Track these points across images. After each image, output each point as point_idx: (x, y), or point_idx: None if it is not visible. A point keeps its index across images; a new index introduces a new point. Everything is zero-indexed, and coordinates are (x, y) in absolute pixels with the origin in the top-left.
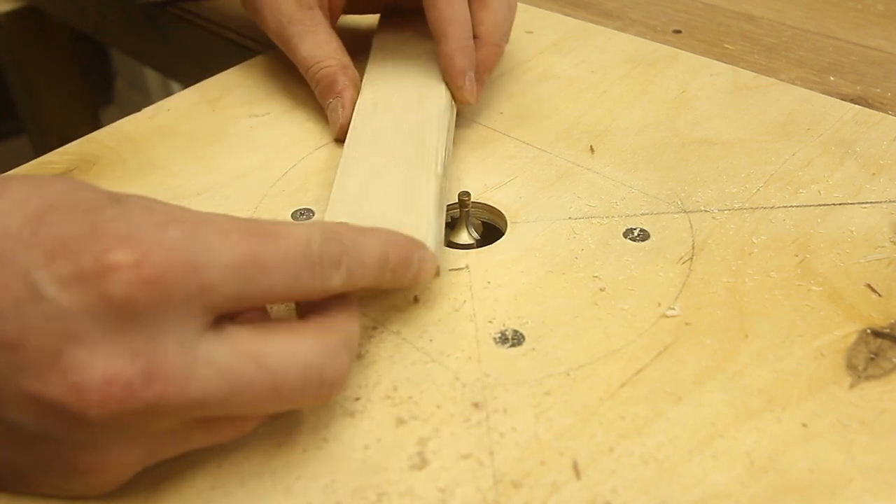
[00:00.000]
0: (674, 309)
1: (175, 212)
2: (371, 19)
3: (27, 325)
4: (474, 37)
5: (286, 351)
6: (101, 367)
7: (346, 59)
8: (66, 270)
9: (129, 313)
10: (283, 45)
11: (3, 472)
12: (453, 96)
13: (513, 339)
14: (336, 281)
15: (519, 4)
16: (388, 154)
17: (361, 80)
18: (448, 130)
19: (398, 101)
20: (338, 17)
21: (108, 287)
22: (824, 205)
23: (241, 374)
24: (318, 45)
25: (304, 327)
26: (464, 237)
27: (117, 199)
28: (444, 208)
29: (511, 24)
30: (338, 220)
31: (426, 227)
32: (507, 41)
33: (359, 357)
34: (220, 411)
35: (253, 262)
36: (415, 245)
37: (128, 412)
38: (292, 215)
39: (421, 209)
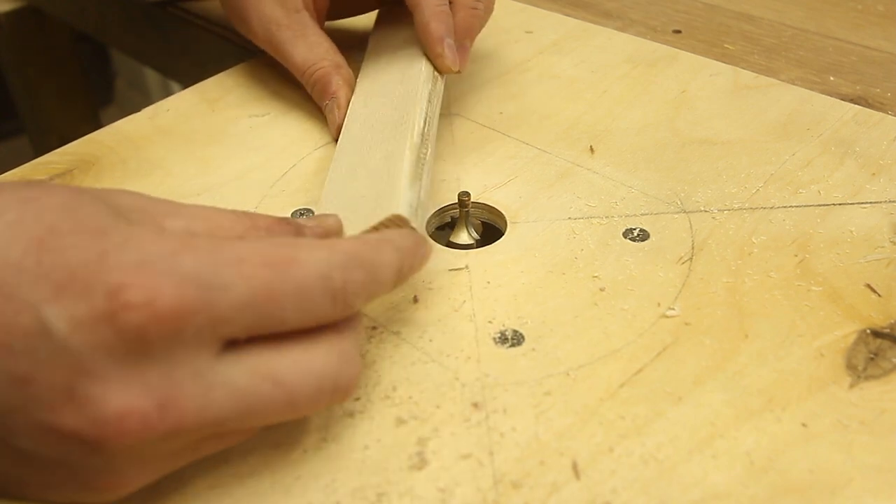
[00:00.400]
0: (674, 309)
1: (185, 238)
2: (367, 19)
3: (38, 360)
4: (449, 2)
5: (301, 366)
6: (116, 402)
7: (339, 59)
8: (77, 309)
9: (142, 348)
10: (273, 51)
11: (7, 484)
12: (435, 66)
13: (512, 339)
14: (358, 305)
15: (518, 4)
16: (374, 137)
17: (357, 77)
18: (429, 100)
19: (386, 86)
20: (324, 17)
21: (120, 325)
22: (824, 205)
23: (257, 394)
24: (310, 48)
25: (317, 338)
26: (464, 237)
27: (118, 211)
28: (426, 175)
29: None
30: (330, 207)
31: (400, 196)
32: (485, 3)
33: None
34: (235, 427)
35: (268, 295)
36: (420, 245)
37: (146, 441)
38: (292, 215)
39: (395, 178)
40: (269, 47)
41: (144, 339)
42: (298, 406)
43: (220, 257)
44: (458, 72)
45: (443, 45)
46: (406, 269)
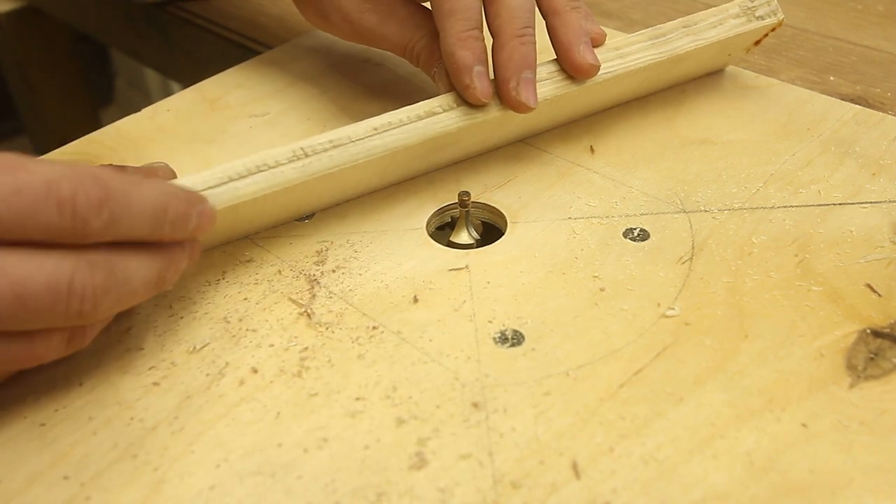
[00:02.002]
0: (674, 309)
1: None
2: None
3: None
4: (493, 35)
5: (31, 261)
6: None
7: (433, 25)
8: None
9: None
10: (365, 40)
11: None
12: (466, 100)
13: (512, 339)
14: (95, 224)
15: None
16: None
17: None
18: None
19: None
20: None
21: None
22: (824, 205)
23: None
24: (402, 25)
25: (56, 246)
26: (464, 237)
27: None
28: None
29: (530, 9)
30: None
31: (200, 176)
32: (532, 29)
33: (359, 357)
34: None
35: None
36: (194, 198)
37: None
38: None
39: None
40: (358, 38)
41: None
42: (28, 303)
43: None
44: (530, 108)
45: (471, 76)
46: (173, 214)
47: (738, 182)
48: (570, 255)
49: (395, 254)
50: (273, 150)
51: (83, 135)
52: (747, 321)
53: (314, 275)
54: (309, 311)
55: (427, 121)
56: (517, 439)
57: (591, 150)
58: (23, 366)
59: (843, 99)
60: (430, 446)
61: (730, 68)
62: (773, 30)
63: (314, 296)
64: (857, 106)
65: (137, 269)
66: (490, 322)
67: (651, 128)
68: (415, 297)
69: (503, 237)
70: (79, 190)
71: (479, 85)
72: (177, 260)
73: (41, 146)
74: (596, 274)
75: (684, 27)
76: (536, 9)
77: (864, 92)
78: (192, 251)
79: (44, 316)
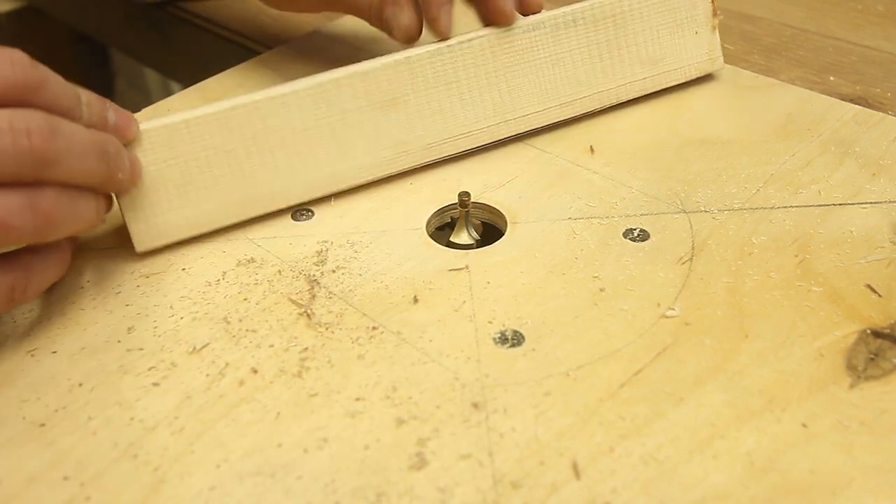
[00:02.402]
0: (674, 309)
1: None
2: None
3: None
4: None
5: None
6: None
7: None
8: None
9: None
10: (326, 4)
11: None
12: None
13: (512, 339)
14: (51, 151)
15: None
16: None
17: None
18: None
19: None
20: None
21: None
22: (824, 205)
23: None
24: None
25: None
26: (464, 237)
27: None
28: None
29: None
30: None
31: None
32: None
33: (359, 357)
34: None
35: None
36: (122, 141)
37: None
38: (292, 215)
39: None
40: (319, 5)
41: None
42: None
43: None
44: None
45: (438, 10)
46: (112, 151)
47: (738, 182)
48: (570, 255)
49: (394, 254)
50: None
51: None
52: (747, 321)
53: (314, 275)
54: (309, 311)
55: (360, 65)
56: (517, 439)
57: (591, 150)
58: None
59: (843, 99)
60: (430, 446)
61: (730, 68)
62: None
63: (314, 296)
64: (857, 106)
65: (85, 172)
66: (490, 322)
67: (651, 128)
68: (415, 297)
69: (503, 237)
70: (32, 126)
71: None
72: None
73: None
74: (596, 274)
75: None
76: None
77: (864, 92)
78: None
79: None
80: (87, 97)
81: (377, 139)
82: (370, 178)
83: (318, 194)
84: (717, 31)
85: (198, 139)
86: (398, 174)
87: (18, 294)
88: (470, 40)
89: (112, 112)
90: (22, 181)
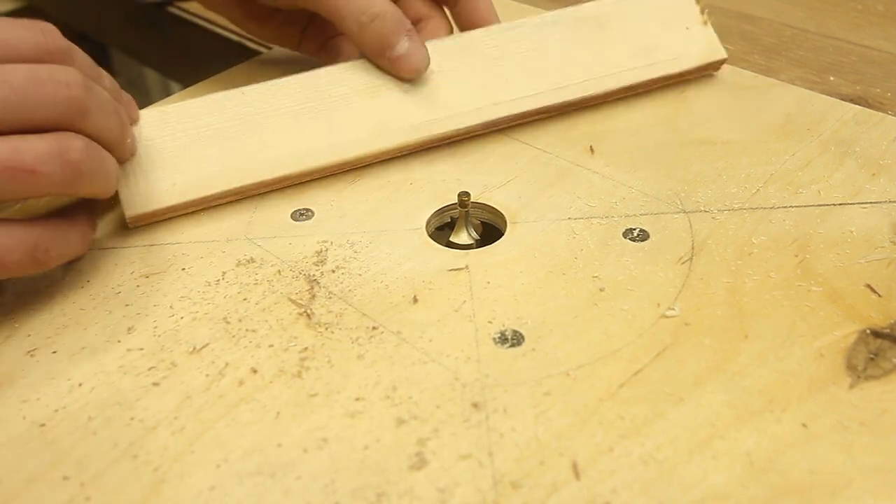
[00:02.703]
0: (673, 309)
1: None
2: None
3: None
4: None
5: (31, 139)
6: None
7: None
8: None
9: None
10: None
11: None
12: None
13: (512, 339)
14: (85, 99)
15: (519, 5)
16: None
17: None
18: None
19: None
20: None
21: None
22: (824, 205)
23: None
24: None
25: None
26: (464, 237)
27: None
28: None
29: None
30: None
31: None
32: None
33: (359, 357)
34: None
35: None
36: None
37: None
38: (291, 215)
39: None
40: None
41: None
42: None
43: None
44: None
45: (391, 50)
46: (124, 117)
47: (738, 182)
48: (570, 255)
49: (394, 254)
50: None
51: None
52: (747, 321)
53: (314, 275)
54: (309, 311)
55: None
56: (517, 439)
57: (591, 150)
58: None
59: (843, 99)
60: (430, 446)
61: (730, 68)
62: None
63: (314, 296)
64: (857, 106)
65: (107, 129)
66: (490, 322)
67: (651, 128)
68: (415, 297)
69: (503, 237)
70: (70, 79)
71: (409, 50)
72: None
73: None
74: (596, 274)
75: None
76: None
77: (864, 92)
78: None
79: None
80: (104, 72)
81: (363, 118)
82: (359, 153)
83: (307, 167)
84: (709, 24)
85: (188, 120)
86: (397, 175)
87: (41, 253)
88: (452, 39)
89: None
90: (56, 127)
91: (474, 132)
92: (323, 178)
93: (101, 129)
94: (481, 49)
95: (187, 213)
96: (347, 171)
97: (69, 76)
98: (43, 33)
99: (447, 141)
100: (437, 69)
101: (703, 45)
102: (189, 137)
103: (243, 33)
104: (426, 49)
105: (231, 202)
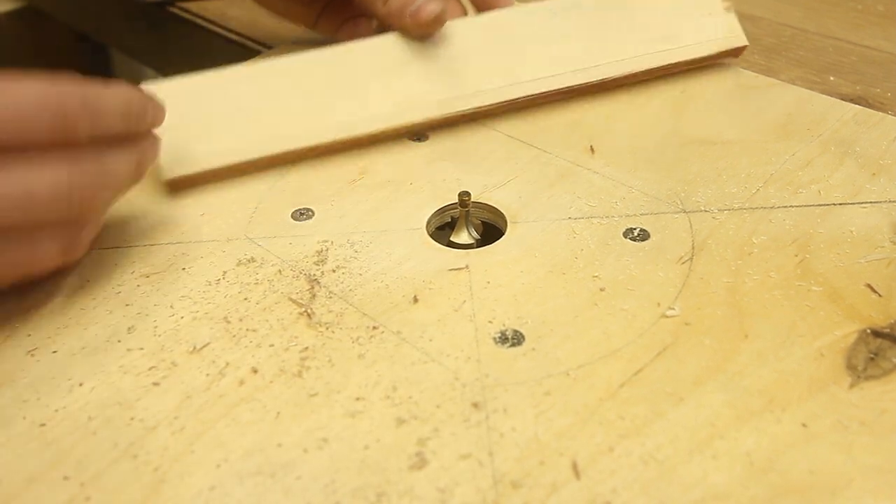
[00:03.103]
0: (674, 309)
1: None
2: None
3: None
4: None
5: (34, 166)
6: None
7: None
8: None
9: None
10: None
11: None
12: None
13: (512, 339)
14: (83, 125)
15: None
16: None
17: None
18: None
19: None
20: None
21: None
22: (824, 205)
23: None
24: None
25: (53, 150)
26: (464, 237)
27: None
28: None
29: None
30: None
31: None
32: None
33: (359, 357)
34: None
35: None
36: (147, 93)
37: None
38: (292, 215)
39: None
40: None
41: None
42: (35, 202)
43: None
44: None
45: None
46: (136, 107)
47: (738, 182)
48: (570, 255)
49: (395, 254)
50: None
51: None
52: (747, 321)
53: (314, 275)
54: (309, 311)
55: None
56: (517, 439)
57: (591, 150)
58: (25, 270)
59: (843, 99)
60: (430, 446)
61: (730, 68)
62: None
63: (314, 296)
64: (857, 106)
65: (119, 162)
66: (490, 322)
67: (651, 128)
68: (415, 297)
69: (503, 237)
70: (64, 96)
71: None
72: (147, 150)
73: None
74: (596, 274)
75: None
76: None
77: (864, 92)
78: (155, 143)
79: (50, 212)
80: (136, 106)
81: (386, 94)
82: (382, 126)
83: (331, 139)
84: (732, 11)
85: (216, 92)
86: (397, 175)
87: (141, 172)
88: (473, 20)
89: (151, 109)
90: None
91: (496, 110)
92: (331, 170)
93: (107, 200)
94: (502, 31)
95: (187, 213)
96: (347, 171)
97: (71, 175)
98: (60, 103)
99: (470, 118)
100: (461, 51)
101: (725, 30)
102: (216, 109)
103: (243, 33)
104: (443, 4)
105: (230, 202)
